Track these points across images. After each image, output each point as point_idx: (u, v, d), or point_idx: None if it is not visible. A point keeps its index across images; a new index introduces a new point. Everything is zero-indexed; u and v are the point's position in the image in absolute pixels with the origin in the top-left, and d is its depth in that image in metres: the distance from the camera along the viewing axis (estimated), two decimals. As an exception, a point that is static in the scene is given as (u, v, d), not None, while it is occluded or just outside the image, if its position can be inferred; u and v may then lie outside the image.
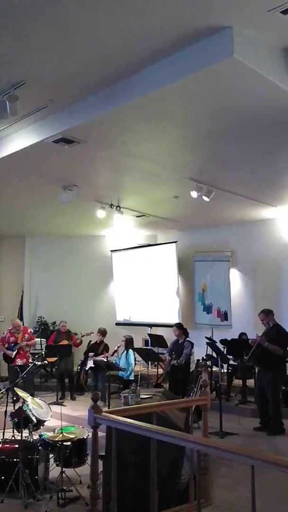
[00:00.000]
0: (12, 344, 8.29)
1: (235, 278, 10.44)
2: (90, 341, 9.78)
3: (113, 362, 8.41)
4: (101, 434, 3.95)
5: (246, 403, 8.31)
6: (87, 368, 9.18)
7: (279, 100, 4.51)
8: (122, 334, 9.31)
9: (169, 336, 9.54)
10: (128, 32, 3.86)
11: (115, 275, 11.98)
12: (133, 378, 8.51)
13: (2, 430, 5.56)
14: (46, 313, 11.77)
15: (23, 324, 8.96)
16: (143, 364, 10.05)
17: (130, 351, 8.75)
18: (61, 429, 4.90)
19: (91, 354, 9.16)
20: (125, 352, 8.69)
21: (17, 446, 4.87)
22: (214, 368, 8.57)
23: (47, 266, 12.00)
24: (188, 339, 8.39)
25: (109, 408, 6.29)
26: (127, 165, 6.63)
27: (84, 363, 9.40)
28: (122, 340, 8.69)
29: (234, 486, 4.78)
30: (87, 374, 9.70)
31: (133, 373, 8.73)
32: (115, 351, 8.57)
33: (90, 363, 9.07)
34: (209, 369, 8.31)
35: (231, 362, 8.63)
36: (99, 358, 8.90)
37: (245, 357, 8.27)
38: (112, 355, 8.66)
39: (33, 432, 5.31)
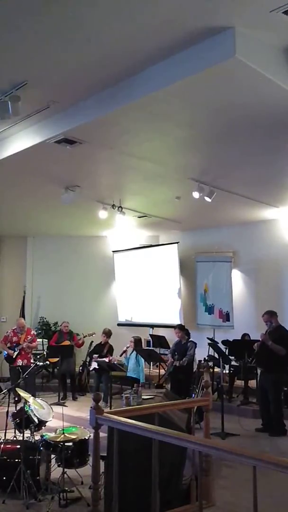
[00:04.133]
0: (14, 345, 8.30)
1: (237, 278, 10.43)
2: (92, 341, 9.78)
3: (123, 363, 8.40)
4: (102, 434, 3.94)
5: (248, 404, 8.29)
6: (91, 369, 9.18)
7: (281, 100, 4.50)
8: (124, 335, 9.30)
9: (171, 336, 9.53)
10: (130, 33, 3.86)
11: (117, 276, 11.98)
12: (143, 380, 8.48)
13: (4, 431, 5.56)
14: (48, 313, 11.78)
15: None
16: (144, 365, 10.04)
17: None
18: (63, 429, 4.89)
19: (95, 356, 9.15)
20: (134, 353, 8.66)
21: (18, 446, 4.87)
22: (216, 369, 8.57)
23: (49, 267, 12.01)
24: (191, 339, 8.37)
25: (110, 408, 6.28)
26: (129, 165, 6.63)
27: (89, 363, 9.40)
28: (131, 341, 8.67)
29: (236, 487, 4.76)
30: (89, 375, 9.69)
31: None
32: (124, 351, 8.56)
33: (94, 364, 9.07)
34: (211, 369, 8.30)
35: (233, 363, 8.62)
36: (102, 359, 8.91)
37: (248, 359, 8.28)
38: (120, 355, 8.65)
39: (34, 433, 5.31)
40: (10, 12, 3.55)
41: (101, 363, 8.70)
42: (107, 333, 9.33)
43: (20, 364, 8.13)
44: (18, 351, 8.23)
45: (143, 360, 8.55)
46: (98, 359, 8.90)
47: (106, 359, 8.79)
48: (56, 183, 7.36)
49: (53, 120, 5.46)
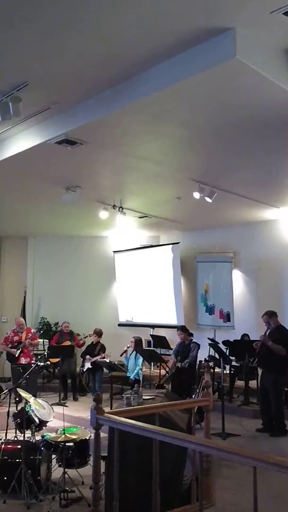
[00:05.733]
0: (16, 344, 8.32)
1: (238, 279, 10.44)
2: (92, 341, 9.80)
3: (124, 363, 8.41)
4: (103, 435, 3.95)
5: (249, 404, 8.30)
6: (84, 370, 9.23)
7: (282, 101, 4.50)
8: (125, 335, 9.28)
9: (171, 337, 9.55)
10: (131, 34, 3.86)
11: (118, 276, 11.99)
12: (139, 379, 8.51)
13: (5, 431, 5.57)
14: (48, 313, 11.79)
15: (26, 325, 8.98)
16: (145, 365, 10.05)
17: None
18: (64, 429, 4.90)
19: (88, 357, 9.20)
20: (134, 353, 8.68)
21: (19, 446, 4.88)
22: (217, 369, 8.57)
23: (49, 267, 12.02)
24: (194, 341, 8.38)
25: (111, 409, 6.29)
26: (130, 166, 6.63)
27: (82, 364, 9.44)
28: (132, 342, 8.69)
29: (236, 487, 4.77)
30: (89, 375, 9.71)
31: (138, 373, 8.72)
32: (125, 351, 8.57)
33: (87, 365, 9.12)
34: (212, 370, 8.30)
35: (233, 363, 8.62)
36: (98, 358, 8.93)
37: (249, 359, 8.28)
38: (121, 355, 8.67)
39: (35, 433, 5.32)
40: (10, 12, 3.56)
41: (100, 363, 8.71)
42: (98, 333, 9.41)
43: (23, 362, 8.16)
44: (21, 349, 8.25)
45: (141, 359, 8.58)
46: (97, 359, 8.92)
47: (99, 357, 8.85)
48: (57, 183, 7.37)
49: (54, 120, 5.47)
